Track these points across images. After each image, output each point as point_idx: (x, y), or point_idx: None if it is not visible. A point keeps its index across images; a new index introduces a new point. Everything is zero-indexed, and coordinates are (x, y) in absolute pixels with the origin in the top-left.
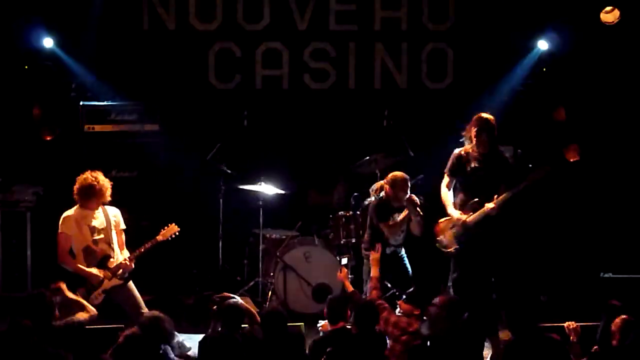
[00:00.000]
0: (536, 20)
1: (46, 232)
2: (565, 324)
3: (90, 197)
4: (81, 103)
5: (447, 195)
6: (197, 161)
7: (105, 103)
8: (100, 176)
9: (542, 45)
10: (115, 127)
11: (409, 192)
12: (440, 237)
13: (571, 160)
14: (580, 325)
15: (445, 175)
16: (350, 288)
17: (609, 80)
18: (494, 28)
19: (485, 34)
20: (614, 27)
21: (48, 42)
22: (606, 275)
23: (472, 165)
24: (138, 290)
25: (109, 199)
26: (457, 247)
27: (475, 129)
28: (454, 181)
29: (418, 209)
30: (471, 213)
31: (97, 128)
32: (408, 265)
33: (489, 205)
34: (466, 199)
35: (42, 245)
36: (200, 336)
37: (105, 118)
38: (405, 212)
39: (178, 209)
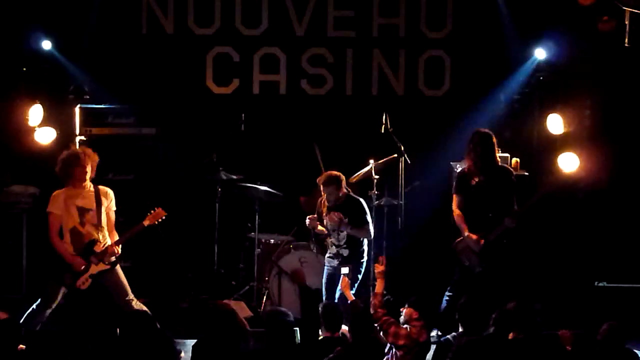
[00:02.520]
0: (534, 28)
1: (42, 234)
2: (560, 333)
3: (73, 168)
4: (79, 106)
5: (461, 218)
6: (193, 165)
7: (102, 106)
8: (84, 149)
9: (539, 53)
10: (112, 130)
11: (331, 194)
12: (463, 258)
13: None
14: (574, 333)
15: (454, 196)
16: (351, 297)
17: (606, 89)
18: (491, 36)
19: (483, 42)
20: (610, 36)
21: (46, 45)
22: (601, 284)
23: (475, 180)
24: (134, 294)
25: (93, 169)
26: (483, 266)
27: (471, 144)
28: (462, 199)
29: (341, 225)
30: (483, 233)
31: (95, 131)
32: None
33: (508, 220)
34: (475, 213)
35: (38, 247)
36: (194, 341)
37: (103, 121)
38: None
39: (174, 213)
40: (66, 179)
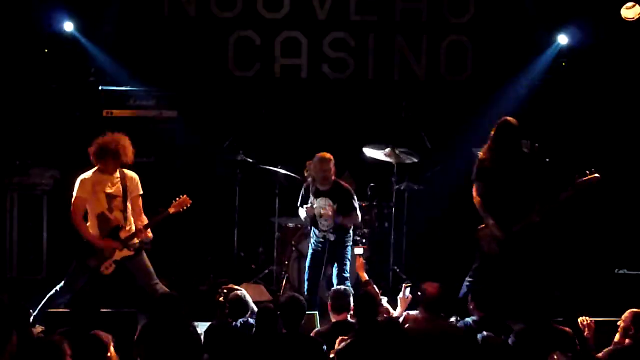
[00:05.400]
0: (557, 14)
1: (63, 216)
2: (580, 320)
3: (107, 158)
4: (100, 88)
5: (482, 205)
6: (214, 148)
7: (124, 88)
8: (121, 138)
9: (562, 39)
10: (133, 113)
11: (329, 175)
12: (483, 244)
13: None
14: (595, 320)
15: (474, 184)
16: (365, 278)
17: (630, 76)
18: (514, 22)
19: (505, 28)
20: (634, 23)
21: (69, 27)
22: (621, 272)
23: (496, 168)
24: None
25: (129, 161)
26: (501, 254)
27: (495, 132)
28: (483, 187)
29: (335, 217)
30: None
31: (116, 113)
32: (347, 252)
33: (534, 215)
34: (495, 202)
35: (58, 229)
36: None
37: (124, 103)
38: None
39: (194, 196)
40: (98, 164)
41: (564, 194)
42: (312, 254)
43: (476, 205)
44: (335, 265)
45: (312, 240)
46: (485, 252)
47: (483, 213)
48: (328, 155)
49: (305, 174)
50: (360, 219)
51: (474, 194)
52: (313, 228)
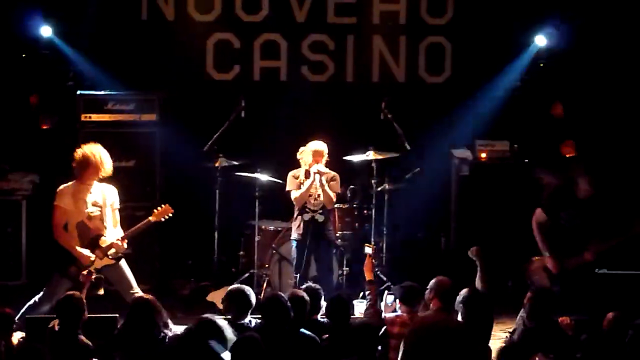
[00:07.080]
0: (534, 15)
1: (42, 221)
2: (560, 319)
3: (86, 169)
4: (78, 92)
5: (542, 235)
6: (194, 152)
7: (102, 92)
8: (98, 150)
9: (540, 40)
10: (112, 117)
11: (320, 161)
12: (535, 277)
13: (567, 155)
14: (575, 320)
15: (540, 211)
16: (370, 277)
17: (606, 76)
18: (492, 23)
19: (484, 29)
20: (612, 24)
21: (46, 31)
22: (601, 272)
23: (570, 209)
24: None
25: (107, 173)
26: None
27: (578, 171)
28: (549, 221)
29: (321, 180)
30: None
31: (94, 117)
32: (331, 232)
33: (588, 254)
34: (557, 244)
35: (37, 234)
36: None
37: (103, 107)
38: (311, 181)
39: (174, 200)
40: (78, 174)
41: (616, 238)
42: (299, 244)
43: (535, 233)
44: (317, 263)
45: (295, 236)
46: (536, 285)
47: (541, 242)
48: (323, 143)
49: (299, 157)
50: (334, 204)
51: (534, 220)
52: (295, 225)
